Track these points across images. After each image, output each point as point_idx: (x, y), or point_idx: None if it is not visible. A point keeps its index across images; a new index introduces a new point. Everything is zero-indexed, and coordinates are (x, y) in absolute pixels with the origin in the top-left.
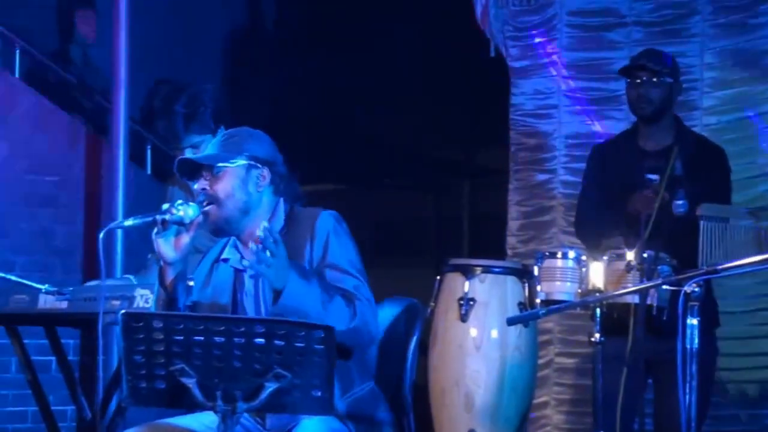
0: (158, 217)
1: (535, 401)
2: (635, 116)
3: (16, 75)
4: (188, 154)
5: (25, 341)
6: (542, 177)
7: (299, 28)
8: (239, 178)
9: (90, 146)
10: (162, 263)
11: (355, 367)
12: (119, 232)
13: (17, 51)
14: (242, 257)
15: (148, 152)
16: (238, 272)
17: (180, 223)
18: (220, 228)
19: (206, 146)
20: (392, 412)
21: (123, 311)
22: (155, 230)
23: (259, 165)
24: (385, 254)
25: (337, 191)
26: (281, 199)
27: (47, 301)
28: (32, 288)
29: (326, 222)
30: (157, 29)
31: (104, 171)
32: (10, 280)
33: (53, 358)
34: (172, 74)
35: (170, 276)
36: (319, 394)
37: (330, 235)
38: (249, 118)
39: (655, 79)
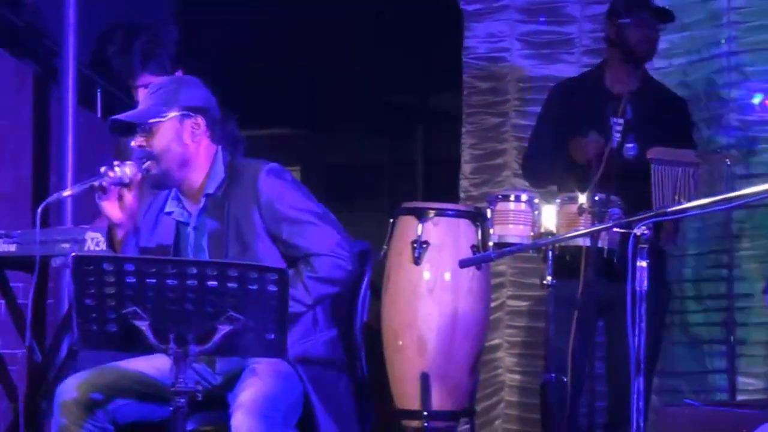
0: (96, 182)
1: (488, 344)
2: (631, 56)
3: None
4: (141, 93)
5: None
6: (495, 120)
7: None
8: (173, 131)
9: (38, 89)
10: (110, 224)
11: (319, 315)
12: (67, 177)
13: None
14: (184, 210)
15: (99, 96)
16: (181, 224)
17: (120, 183)
18: (160, 182)
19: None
20: (345, 354)
21: (73, 254)
22: (97, 194)
23: (192, 113)
24: (339, 198)
25: (292, 136)
26: (220, 148)
27: None
28: None
29: (267, 182)
30: None
31: (53, 114)
32: None
33: (2, 301)
34: (124, 17)
35: (119, 235)
36: (272, 336)
37: (274, 194)
38: (205, 62)
39: (655, 20)
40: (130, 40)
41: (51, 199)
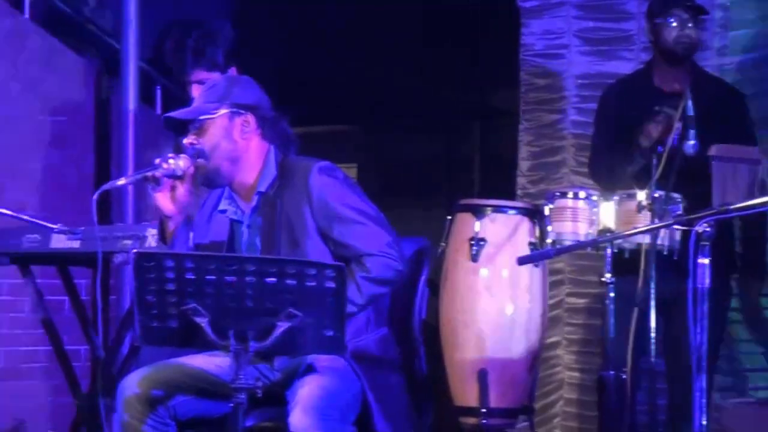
0: (149, 173)
1: (546, 341)
2: (670, 56)
3: (26, 15)
4: (195, 89)
5: (38, 281)
6: (552, 117)
7: None
8: (223, 128)
9: (100, 86)
10: (162, 217)
11: (371, 314)
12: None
13: None
14: (238, 208)
15: (158, 93)
16: (234, 222)
17: (173, 176)
18: (211, 179)
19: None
20: (402, 352)
21: (135, 250)
22: (150, 186)
23: (242, 111)
24: (396, 195)
25: (350, 133)
26: (272, 147)
27: (59, 241)
28: (44, 227)
29: (319, 180)
30: None
31: (114, 111)
32: (22, 219)
33: (66, 297)
34: (184, 15)
35: (170, 228)
36: (331, 333)
37: (325, 192)
38: (261, 60)
39: (694, 19)
40: (183, 36)
41: (106, 186)
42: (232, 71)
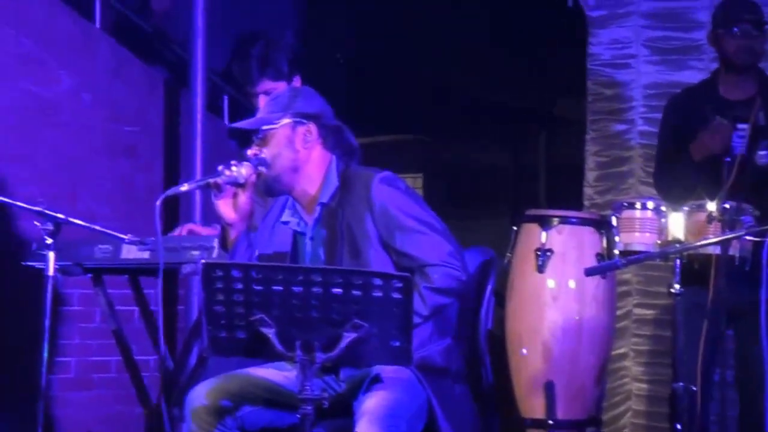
0: (212, 180)
1: (614, 352)
2: (731, 66)
3: (96, 24)
4: (261, 100)
5: (109, 291)
6: (620, 127)
7: None
8: (285, 137)
9: (168, 96)
10: (223, 224)
11: (434, 326)
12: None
13: (97, 0)
14: (301, 219)
15: (225, 103)
16: (297, 234)
17: (235, 183)
18: (272, 188)
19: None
20: (468, 362)
21: (203, 261)
22: (213, 193)
23: (305, 121)
24: (461, 205)
25: (414, 141)
26: (334, 157)
27: (130, 251)
28: (115, 238)
29: (381, 190)
30: None
31: (182, 120)
32: (94, 229)
33: (136, 308)
34: (251, 25)
35: (232, 236)
36: (397, 344)
37: (387, 202)
38: (326, 69)
39: (757, 30)
40: (247, 46)
41: (169, 192)
42: (297, 80)
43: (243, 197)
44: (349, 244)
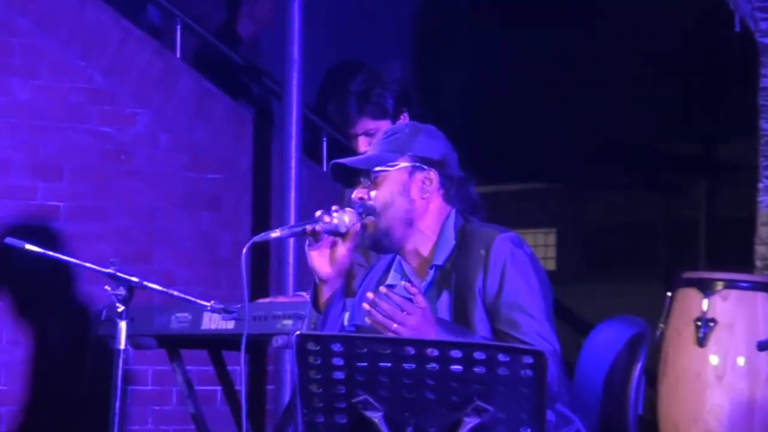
0: (309, 227)
1: None
2: None
3: (177, 54)
4: (361, 142)
5: (187, 368)
6: None
7: (495, 2)
8: (400, 184)
9: (258, 138)
10: (317, 280)
11: (559, 409)
12: (291, 242)
13: (178, 26)
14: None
15: (324, 145)
16: (405, 300)
17: (335, 232)
18: (379, 242)
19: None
20: None
21: (297, 332)
22: (307, 242)
23: (425, 166)
24: (603, 266)
25: (544, 192)
26: (453, 211)
27: (212, 321)
28: (196, 305)
29: (503, 249)
30: (336, 4)
31: (274, 167)
32: (172, 295)
33: (219, 387)
34: (353, 54)
35: (325, 295)
36: (528, 431)
37: (507, 264)
38: (437, 104)
39: None
40: (346, 80)
41: (258, 238)
42: (405, 118)
43: (342, 249)
44: (458, 311)
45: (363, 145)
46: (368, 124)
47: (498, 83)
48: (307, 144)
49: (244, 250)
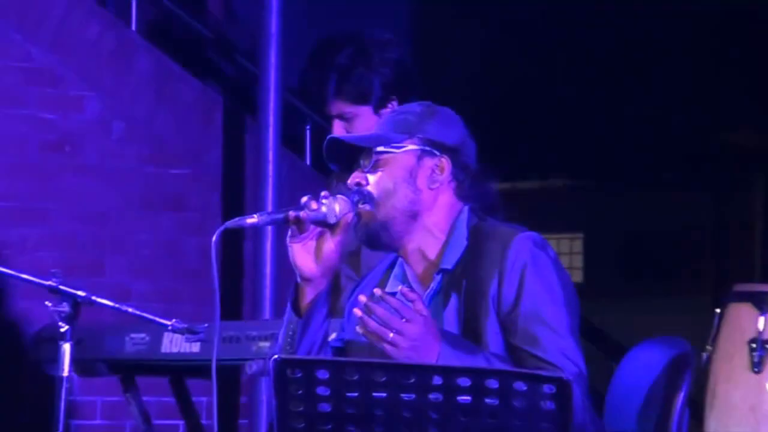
0: (292, 213)
1: None
2: None
3: (133, 27)
4: (336, 125)
5: (144, 398)
6: None
7: None
8: (406, 169)
9: (229, 126)
10: (299, 278)
11: None
12: (267, 247)
13: None
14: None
15: (308, 135)
16: None
17: (323, 223)
18: (375, 236)
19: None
20: None
21: (275, 356)
22: (289, 232)
23: (437, 152)
24: (636, 277)
25: (572, 190)
26: (466, 208)
27: (174, 343)
28: (155, 324)
29: (522, 250)
30: None
31: (249, 161)
32: (126, 312)
33: (180, 422)
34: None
35: (308, 297)
36: None
37: (527, 269)
38: (452, 91)
39: None
40: (330, 51)
41: (231, 224)
42: (393, 104)
43: (330, 243)
44: (467, 325)
45: (338, 129)
46: (343, 106)
47: (515, 63)
48: (287, 134)
49: (214, 238)
